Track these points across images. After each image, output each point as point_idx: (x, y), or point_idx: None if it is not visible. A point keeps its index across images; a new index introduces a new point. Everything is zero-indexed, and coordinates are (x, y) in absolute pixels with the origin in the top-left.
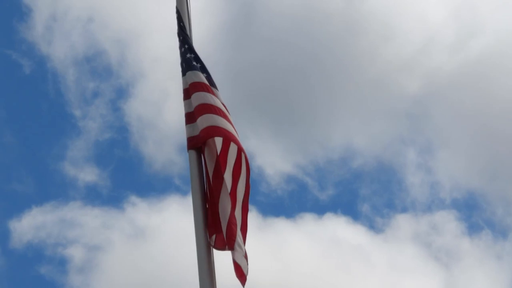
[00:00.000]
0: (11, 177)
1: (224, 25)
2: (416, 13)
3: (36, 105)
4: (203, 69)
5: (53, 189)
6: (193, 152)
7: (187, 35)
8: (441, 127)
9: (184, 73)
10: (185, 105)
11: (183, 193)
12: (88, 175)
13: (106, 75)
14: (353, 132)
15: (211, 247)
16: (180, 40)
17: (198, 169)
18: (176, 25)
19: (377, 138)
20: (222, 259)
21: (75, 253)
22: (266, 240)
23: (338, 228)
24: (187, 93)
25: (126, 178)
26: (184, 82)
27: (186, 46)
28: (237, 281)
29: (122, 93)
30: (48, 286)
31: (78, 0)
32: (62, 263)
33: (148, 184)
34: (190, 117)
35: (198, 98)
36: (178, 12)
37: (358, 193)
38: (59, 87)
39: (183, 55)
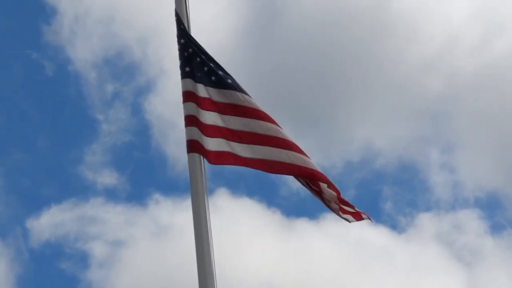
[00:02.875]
0: (32, 179)
1: (246, 27)
2: (439, 14)
3: (58, 107)
4: (211, 72)
5: (74, 190)
6: (193, 155)
7: (190, 37)
8: (464, 127)
9: (188, 77)
10: (185, 108)
11: (209, 194)
12: (110, 175)
13: (128, 75)
14: (375, 132)
15: (210, 249)
16: (180, 43)
17: (198, 172)
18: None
19: (399, 138)
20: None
21: (97, 249)
22: (289, 242)
23: (360, 230)
24: (193, 97)
25: (149, 177)
26: (186, 86)
27: (190, 50)
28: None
29: (143, 93)
30: (69, 281)
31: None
32: (83, 258)
33: (171, 184)
34: (190, 120)
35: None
36: (177, 15)
37: (380, 193)
38: (81, 89)
39: (186, 58)
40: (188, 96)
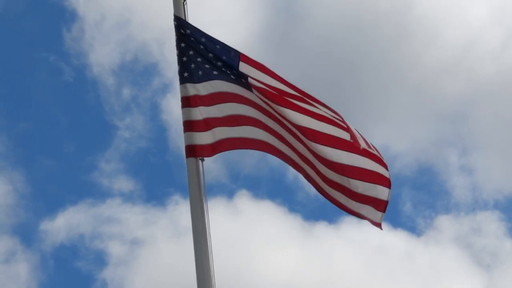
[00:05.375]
0: (50, 183)
1: (265, 31)
2: (459, 18)
3: (77, 112)
4: (213, 67)
5: (93, 194)
6: (191, 160)
7: (191, 33)
8: (482, 130)
9: (186, 82)
10: (183, 113)
11: (229, 196)
12: (129, 179)
13: (145, 78)
14: (393, 136)
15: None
16: (180, 47)
17: (196, 177)
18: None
19: (418, 141)
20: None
21: (115, 248)
22: (309, 245)
23: (380, 233)
24: (192, 102)
25: (168, 179)
26: (184, 91)
27: (191, 53)
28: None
29: (161, 94)
30: (85, 280)
31: (114, 2)
32: (100, 257)
33: None
34: (188, 126)
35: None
36: (176, 19)
37: (399, 196)
38: (99, 94)
39: (185, 63)
40: (186, 102)
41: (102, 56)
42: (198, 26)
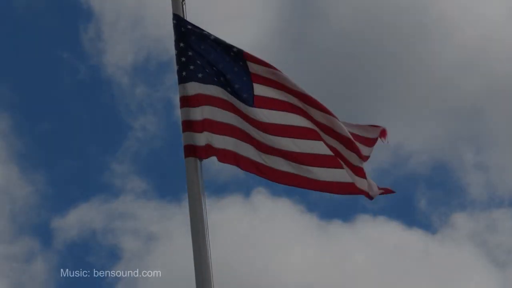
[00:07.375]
0: (66, 183)
1: (278, 28)
2: (477, 15)
3: (91, 112)
4: (216, 74)
5: (105, 193)
6: (189, 160)
7: (191, 38)
8: (498, 127)
9: (185, 82)
10: (182, 113)
11: (246, 193)
12: (144, 176)
13: (160, 75)
14: (407, 133)
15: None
16: (179, 47)
17: (196, 177)
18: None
19: (433, 138)
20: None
21: (130, 243)
22: (323, 244)
23: (395, 231)
24: (191, 102)
25: (183, 178)
26: (183, 91)
27: (191, 53)
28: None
29: (176, 91)
30: (98, 276)
31: (128, 1)
32: (114, 252)
33: (207, 183)
34: (187, 125)
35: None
36: (176, 18)
37: (414, 194)
38: (114, 94)
39: (184, 63)
40: (185, 102)
41: (116, 55)
42: (208, 23)
